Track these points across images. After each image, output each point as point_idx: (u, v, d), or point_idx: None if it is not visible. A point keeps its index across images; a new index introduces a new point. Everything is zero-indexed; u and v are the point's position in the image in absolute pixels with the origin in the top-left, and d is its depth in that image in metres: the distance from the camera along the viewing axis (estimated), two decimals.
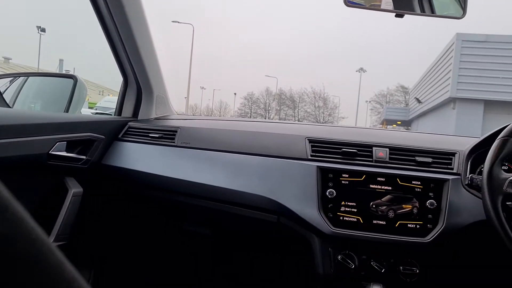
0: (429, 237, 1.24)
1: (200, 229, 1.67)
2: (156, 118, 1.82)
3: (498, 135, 1.11)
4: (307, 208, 1.29)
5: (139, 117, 1.78)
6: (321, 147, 1.39)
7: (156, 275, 1.99)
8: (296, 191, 1.32)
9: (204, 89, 59.07)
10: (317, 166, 1.33)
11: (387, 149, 1.37)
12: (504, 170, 1.06)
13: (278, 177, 1.36)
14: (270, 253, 1.79)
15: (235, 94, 55.33)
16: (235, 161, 1.43)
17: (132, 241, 1.93)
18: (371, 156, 1.36)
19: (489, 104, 14.70)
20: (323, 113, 48.19)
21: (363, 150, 1.37)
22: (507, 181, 1.02)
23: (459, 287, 1.53)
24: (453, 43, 15.04)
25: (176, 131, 1.57)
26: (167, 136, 1.57)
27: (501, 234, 0.98)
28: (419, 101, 22.68)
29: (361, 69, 39.52)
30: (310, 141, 1.42)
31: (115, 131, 1.62)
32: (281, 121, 1.77)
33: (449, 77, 15.35)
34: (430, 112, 20.38)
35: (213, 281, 2.00)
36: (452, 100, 15.61)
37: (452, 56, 15.11)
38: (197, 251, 1.93)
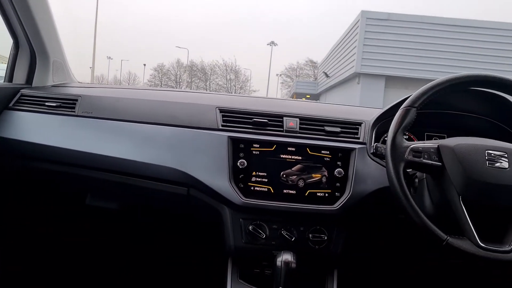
0: (337, 205, 1.28)
1: (106, 204, 1.57)
2: (53, 86, 1.66)
3: (401, 105, 1.14)
4: (218, 179, 1.26)
5: (34, 84, 1.61)
6: (232, 117, 1.36)
7: (57, 255, 1.86)
8: (206, 162, 1.28)
9: (111, 59, 56.28)
10: (228, 136, 1.30)
11: (298, 119, 1.37)
12: (405, 139, 1.10)
13: (188, 148, 1.31)
14: (181, 227, 1.75)
15: (144, 65, 53.46)
16: (142, 131, 1.35)
17: (32, 222, 1.78)
18: (282, 126, 1.35)
19: (390, 79, 15.67)
20: (235, 86, 48.34)
21: (274, 120, 1.36)
22: (408, 149, 1.06)
23: (364, 251, 1.61)
24: (358, 20, 15.68)
25: (76, 100, 1.44)
26: (66, 105, 1.43)
27: (402, 199, 1.03)
28: (327, 76, 23.57)
29: (272, 42, 40.03)
30: (221, 110, 1.38)
31: (4, 99, 1.45)
32: (191, 90, 1.70)
33: (355, 53, 16.04)
34: (337, 86, 21.28)
35: (120, 258, 1.91)
36: (357, 75, 16.39)
37: (357, 33, 15.76)
38: (103, 227, 1.83)
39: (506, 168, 1.04)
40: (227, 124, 1.35)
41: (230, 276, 1.36)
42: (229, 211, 1.31)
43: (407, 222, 1.05)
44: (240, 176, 1.28)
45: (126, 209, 1.62)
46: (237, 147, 1.30)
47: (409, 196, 1.03)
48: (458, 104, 1.43)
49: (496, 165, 1.04)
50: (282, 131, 1.35)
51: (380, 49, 15.35)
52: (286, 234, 1.30)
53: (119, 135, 1.37)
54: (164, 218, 1.72)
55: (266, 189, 1.29)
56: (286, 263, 1.19)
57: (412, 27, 15.16)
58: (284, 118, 1.37)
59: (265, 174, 1.30)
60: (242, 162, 1.28)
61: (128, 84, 50.40)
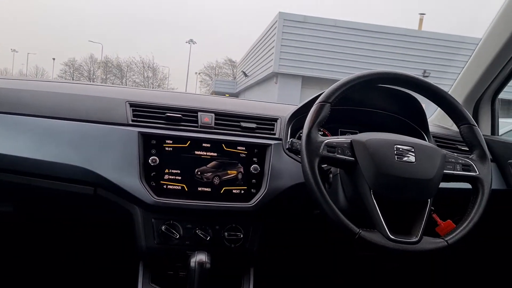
0: (253, 202, 1.25)
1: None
2: None
3: (315, 101, 1.14)
4: (127, 177, 1.18)
5: None
6: (143, 112, 1.28)
7: None
8: (115, 160, 1.20)
9: (16, 52, 52.40)
10: (139, 132, 1.22)
11: (213, 115, 1.33)
12: (320, 135, 1.10)
13: (95, 144, 1.21)
14: (88, 230, 1.63)
15: (53, 59, 50.33)
16: (43, 126, 1.23)
17: None
18: (197, 122, 1.31)
19: (306, 80, 16.17)
20: (152, 84, 47.25)
21: (188, 115, 1.31)
22: (323, 144, 1.06)
23: (280, 248, 1.61)
24: (276, 21, 15.99)
25: None
26: None
27: (316, 194, 1.02)
28: (245, 75, 23.77)
29: (191, 40, 39.64)
30: (131, 105, 1.29)
31: None
32: (100, 84, 1.59)
33: (273, 53, 16.34)
34: (256, 85, 21.56)
35: (23, 263, 1.75)
36: (275, 75, 16.71)
37: (275, 33, 16.06)
38: None
39: (413, 162, 1.08)
40: (138, 119, 1.27)
41: (142, 280, 1.28)
42: (140, 211, 1.24)
43: (322, 217, 1.05)
44: (152, 174, 1.22)
45: (24, 212, 1.48)
46: (149, 144, 1.23)
47: (324, 191, 1.04)
48: (370, 101, 1.47)
49: (404, 159, 1.08)
50: (196, 127, 1.30)
51: (297, 50, 15.78)
52: (201, 234, 1.25)
53: (15, 130, 1.23)
54: (70, 220, 1.59)
55: (179, 187, 1.24)
56: (201, 264, 1.15)
57: (327, 30, 15.76)
58: (199, 113, 1.32)
59: (179, 171, 1.24)
60: (153, 159, 1.21)
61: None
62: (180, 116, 1.29)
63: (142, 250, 1.25)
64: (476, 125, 1.20)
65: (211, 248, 1.25)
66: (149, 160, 1.21)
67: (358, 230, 1.02)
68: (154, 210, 1.23)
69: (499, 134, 1.72)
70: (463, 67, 1.70)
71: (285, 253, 1.66)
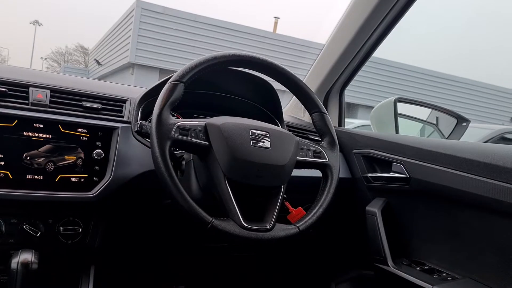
0: (95, 191, 1.11)
1: None
2: None
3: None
4: None
5: None
6: None
7: None
8: None
9: None
10: None
11: (48, 91, 1.14)
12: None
13: None
14: None
15: None
16: None
17: None
18: (27, 98, 1.11)
19: (164, 72, 15.79)
20: None
21: (16, 90, 1.11)
22: (175, 126, 0.97)
23: (126, 243, 1.48)
24: (133, 9, 15.35)
25: None
26: None
27: (167, 181, 0.93)
28: (99, 63, 22.43)
29: (36, 21, 36.04)
30: None
31: None
32: None
33: (129, 43, 15.65)
34: (110, 75, 20.44)
35: None
36: (131, 66, 16.04)
37: (132, 22, 15.41)
38: None
39: (268, 148, 1.05)
40: None
41: None
42: None
43: (174, 207, 0.96)
44: None
45: None
46: None
47: (175, 176, 0.95)
48: (226, 86, 1.43)
49: (259, 144, 1.05)
50: (27, 104, 1.10)
51: (155, 41, 15.37)
52: (30, 229, 1.07)
53: None
54: None
55: (2, 175, 1.03)
56: (25, 264, 0.97)
57: (187, 24, 15.65)
58: (31, 88, 1.13)
59: (1, 156, 1.04)
60: None
61: None
62: (5, 91, 1.08)
63: None
64: (327, 113, 1.23)
65: (42, 246, 1.08)
66: None
67: (210, 219, 0.96)
68: None
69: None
70: (313, 63, 1.77)
71: (131, 249, 1.52)
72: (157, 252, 1.63)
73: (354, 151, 1.56)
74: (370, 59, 1.66)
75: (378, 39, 1.57)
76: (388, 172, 1.42)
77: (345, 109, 1.83)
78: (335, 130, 1.24)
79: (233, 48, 15.81)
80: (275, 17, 20.73)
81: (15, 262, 0.97)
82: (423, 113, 2.02)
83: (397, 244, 1.39)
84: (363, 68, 1.70)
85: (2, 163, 1.03)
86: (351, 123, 5.03)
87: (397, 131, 1.71)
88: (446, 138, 1.92)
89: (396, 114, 1.74)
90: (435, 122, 2.03)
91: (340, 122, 1.80)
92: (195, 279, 1.77)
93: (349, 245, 1.71)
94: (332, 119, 1.76)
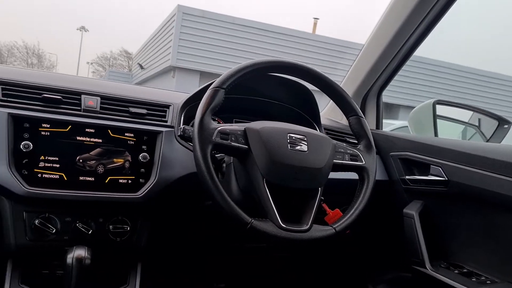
0: (141, 192, 1.18)
1: None
2: None
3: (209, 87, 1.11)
4: None
5: None
6: (15, 91, 1.14)
7: None
8: None
9: None
10: (8, 114, 1.08)
11: (99, 98, 1.22)
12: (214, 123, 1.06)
13: None
14: None
15: None
16: None
17: None
18: (80, 105, 1.19)
19: (204, 75, 16.04)
20: None
21: (70, 97, 1.19)
22: (216, 131, 1.02)
23: (170, 241, 1.54)
24: (175, 14, 15.68)
25: None
26: None
27: (208, 183, 0.98)
28: (142, 67, 23.01)
29: (83, 27, 37.39)
30: (1, 83, 1.14)
31: None
32: None
33: (170, 46, 15.99)
34: (152, 78, 20.95)
35: None
36: (172, 69, 16.36)
37: (173, 26, 15.73)
38: None
39: (305, 151, 1.09)
40: (9, 99, 1.12)
41: (9, 281, 1.14)
42: (8, 203, 1.09)
43: (215, 208, 1.01)
44: (24, 161, 1.08)
45: None
46: (21, 127, 1.09)
47: (216, 178, 1.00)
48: (265, 91, 1.47)
49: (296, 148, 1.08)
50: (79, 111, 1.18)
51: (196, 44, 15.62)
52: (82, 227, 1.15)
53: None
54: None
55: (57, 176, 1.11)
56: (79, 260, 1.05)
57: (225, 27, 15.82)
58: (83, 95, 1.21)
59: (57, 158, 1.12)
60: (26, 145, 1.08)
61: None
62: (59, 98, 1.16)
63: (10, 248, 1.11)
64: (364, 117, 1.25)
65: (94, 243, 1.16)
66: (21, 146, 1.07)
67: (250, 219, 1.00)
68: (26, 202, 1.09)
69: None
70: (351, 66, 1.79)
71: (175, 247, 1.59)
72: (199, 252, 1.69)
73: (392, 153, 1.56)
74: (411, 58, 1.64)
75: (419, 39, 1.55)
76: (426, 175, 1.42)
77: (385, 110, 1.83)
78: (372, 132, 1.26)
79: (272, 50, 15.86)
80: (315, 18, 20.61)
81: (70, 258, 1.05)
82: (464, 115, 2.00)
83: (435, 246, 1.38)
84: (405, 67, 1.69)
85: (58, 165, 1.12)
86: (391, 124, 4.96)
87: (436, 134, 1.70)
88: (487, 141, 1.88)
89: (435, 117, 1.73)
90: (477, 124, 2.00)
91: (378, 125, 1.81)
92: (235, 277, 1.82)
93: (385, 246, 1.72)
94: (369, 122, 1.77)
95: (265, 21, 16.96)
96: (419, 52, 1.63)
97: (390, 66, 1.64)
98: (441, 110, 1.77)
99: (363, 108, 1.79)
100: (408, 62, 1.66)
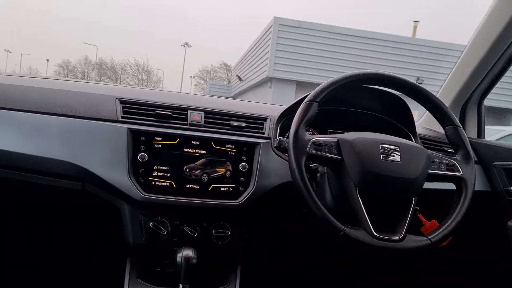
0: (241, 200, 1.27)
1: None
2: None
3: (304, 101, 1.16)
4: (116, 173, 1.19)
5: None
6: (133, 109, 1.29)
7: None
8: (104, 155, 1.20)
9: (10, 52, 52.18)
10: (128, 129, 1.23)
11: (203, 113, 1.34)
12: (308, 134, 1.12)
13: (84, 140, 1.22)
14: (75, 227, 1.63)
15: (47, 60, 50.19)
16: (32, 121, 1.24)
17: None
18: (186, 120, 1.32)
19: (301, 85, 16.17)
20: (147, 86, 47.13)
21: (178, 113, 1.32)
22: (310, 142, 1.07)
23: (268, 246, 1.62)
24: (271, 26, 16.03)
25: None
26: None
27: (303, 192, 1.03)
28: (240, 79, 23.79)
29: (186, 44, 39.66)
30: (122, 101, 1.30)
31: None
32: (90, 81, 1.60)
33: (267, 58, 16.36)
34: (250, 90, 21.56)
35: (13, 259, 1.75)
36: (269, 80, 16.73)
37: (270, 38, 16.10)
38: None
39: (398, 161, 1.09)
40: (128, 116, 1.28)
41: (128, 276, 1.29)
42: (128, 207, 1.25)
43: (309, 215, 1.06)
44: (141, 170, 1.23)
45: (10, 207, 1.48)
46: (138, 140, 1.24)
47: (310, 188, 1.05)
48: (359, 102, 1.49)
49: (389, 158, 1.09)
50: (186, 125, 1.31)
51: (292, 55, 15.81)
52: (189, 230, 1.26)
53: (5, 125, 1.24)
54: (57, 216, 1.59)
55: (168, 184, 1.25)
56: (187, 259, 1.16)
57: (321, 36, 15.82)
58: (189, 111, 1.34)
59: (167, 168, 1.25)
60: (142, 156, 1.22)
61: None
62: (169, 114, 1.30)
63: (129, 247, 1.26)
64: (461, 126, 1.22)
65: (199, 245, 1.26)
66: (138, 157, 1.22)
67: (343, 227, 1.03)
68: (142, 207, 1.24)
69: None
70: (450, 72, 1.73)
71: (272, 251, 1.67)
72: (296, 256, 1.74)
73: (495, 163, 1.49)
74: None
75: None
76: None
77: (494, 115, 1.74)
78: (473, 142, 1.22)
79: (369, 57, 15.50)
80: (415, 21, 19.79)
81: (179, 257, 1.17)
82: None
83: None
84: None
85: (168, 174, 1.25)
86: (502, 131, 4.62)
87: None
88: None
89: None
90: None
91: (480, 133, 1.73)
92: (321, 281, 1.85)
93: (487, 261, 1.63)
94: (470, 130, 1.70)
95: (362, 28, 16.57)
96: None
97: (493, 70, 1.57)
98: None
99: (463, 116, 1.73)
100: None
